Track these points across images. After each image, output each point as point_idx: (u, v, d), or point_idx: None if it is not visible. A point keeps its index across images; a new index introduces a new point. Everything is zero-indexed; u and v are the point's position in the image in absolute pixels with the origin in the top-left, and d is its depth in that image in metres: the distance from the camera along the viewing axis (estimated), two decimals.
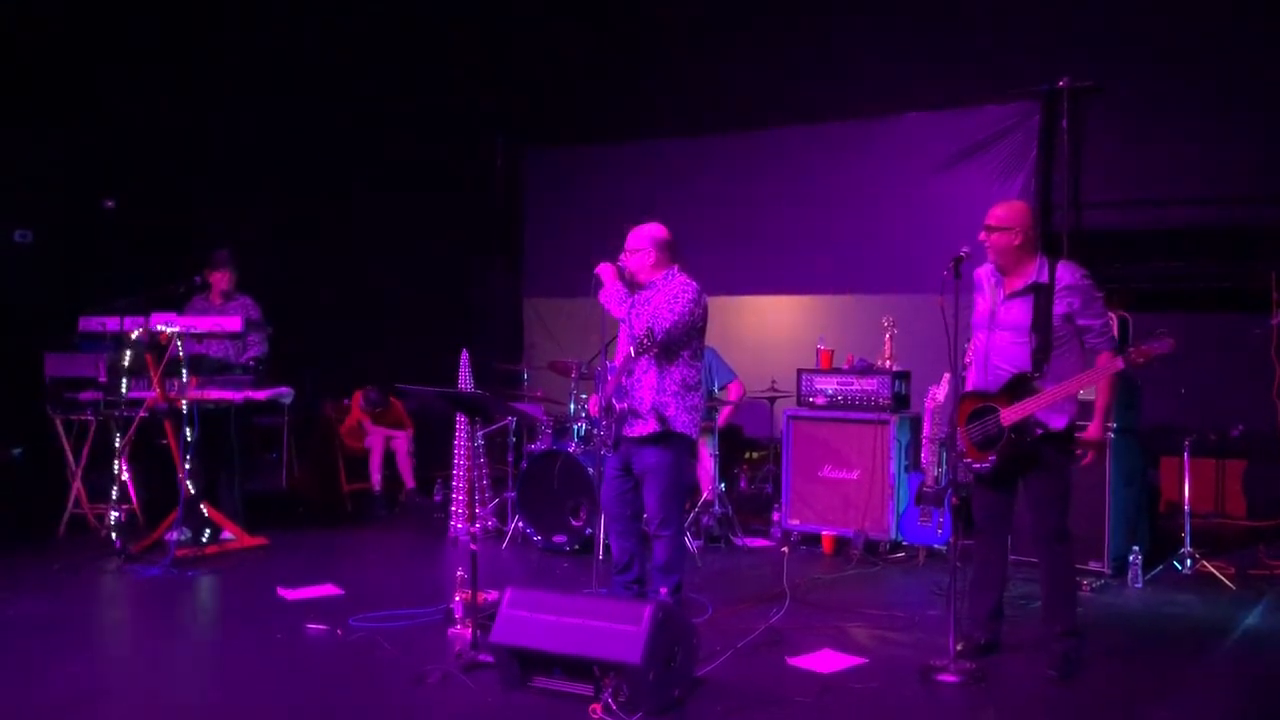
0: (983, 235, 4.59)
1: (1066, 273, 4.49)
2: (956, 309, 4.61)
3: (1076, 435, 4.59)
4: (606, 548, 6.35)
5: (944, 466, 6.36)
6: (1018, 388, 4.47)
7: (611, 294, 5.23)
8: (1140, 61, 7.85)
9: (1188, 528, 6.44)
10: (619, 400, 5.16)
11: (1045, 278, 4.49)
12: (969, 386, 4.74)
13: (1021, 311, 4.51)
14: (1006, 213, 4.59)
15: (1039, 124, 8.26)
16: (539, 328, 10.66)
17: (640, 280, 5.27)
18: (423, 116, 9.67)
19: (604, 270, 5.26)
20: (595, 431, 5.41)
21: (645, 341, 4.92)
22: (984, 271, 4.74)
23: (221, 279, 7.20)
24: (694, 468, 7.08)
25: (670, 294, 5.15)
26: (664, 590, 5.20)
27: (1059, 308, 4.45)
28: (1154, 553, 6.39)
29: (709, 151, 9.75)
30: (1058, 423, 4.49)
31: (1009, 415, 4.45)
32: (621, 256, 5.29)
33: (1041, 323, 4.44)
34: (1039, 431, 4.47)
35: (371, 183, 9.34)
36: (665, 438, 5.10)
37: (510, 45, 10.27)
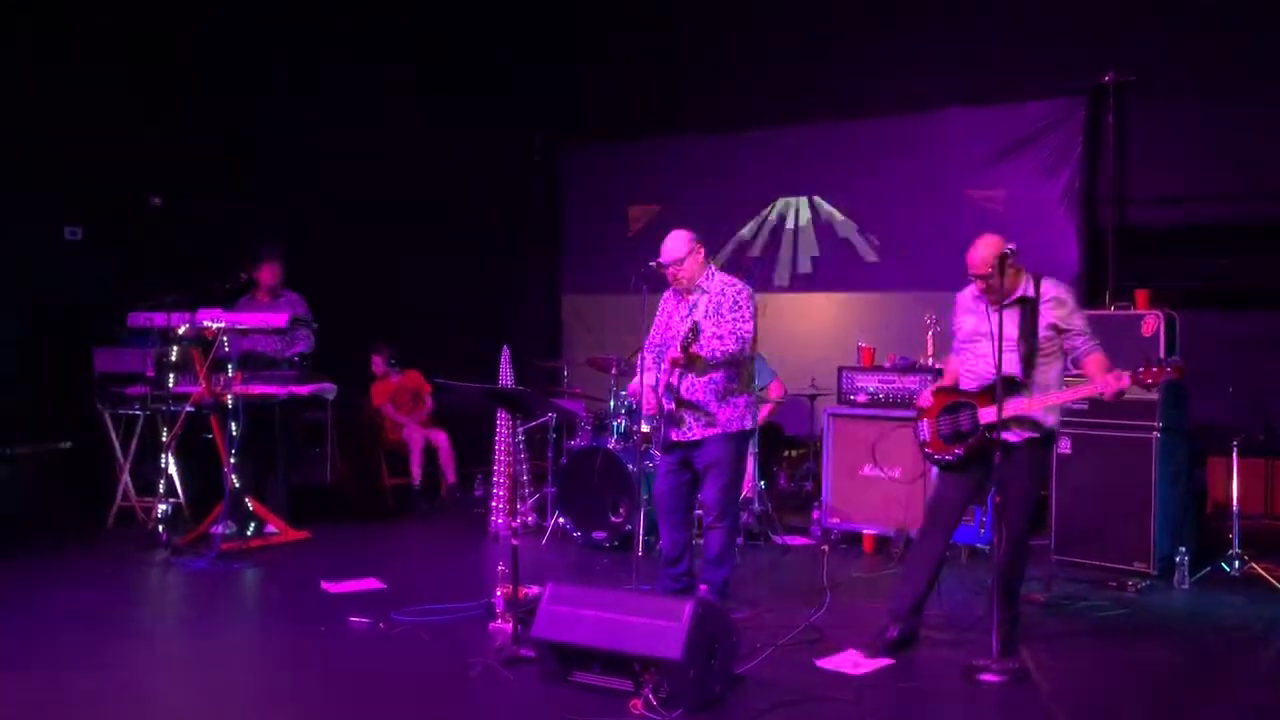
0: (980, 286, 4.67)
1: (1051, 287, 4.66)
2: (1001, 304, 4.60)
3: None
4: (646, 544, 6.37)
5: None
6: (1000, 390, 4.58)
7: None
8: (1187, 56, 7.73)
9: (1236, 529, 6.33)
10: (668, 401, 5.19)
11: (1032, 292, 4.63)
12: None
13: (1009, 322, 4.62)
14: (988, 254, 4.56)
15: (1084, 119, 8.17)
16: (577, 324, 10.68)
17: (693, 285, 5.31)
18: (462, 114, 9.70)
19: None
20: (653, 429, 5.44)
21: (689, 337, 4.99)
22: (965, 294, 4.88)
23: (269, 274, 7.19)
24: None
25: (718, 298, 5.20)
26: (704, 588, 5.22)
27: (1046, 318, 4.60)
28: (1201, 554, 6.30)
29: (748, 147, 9.70)
30: (1046, 422, 4.63)
31: (987, 415, 4.57)
32: (669, 271, 5.28)
33: (1029, 331, 4.60)
34: (1024, 436, 4.59)
35: (412, 182, 9.39)
36: (726, 435, 5.18)
37: (546, 40, 10.30)
